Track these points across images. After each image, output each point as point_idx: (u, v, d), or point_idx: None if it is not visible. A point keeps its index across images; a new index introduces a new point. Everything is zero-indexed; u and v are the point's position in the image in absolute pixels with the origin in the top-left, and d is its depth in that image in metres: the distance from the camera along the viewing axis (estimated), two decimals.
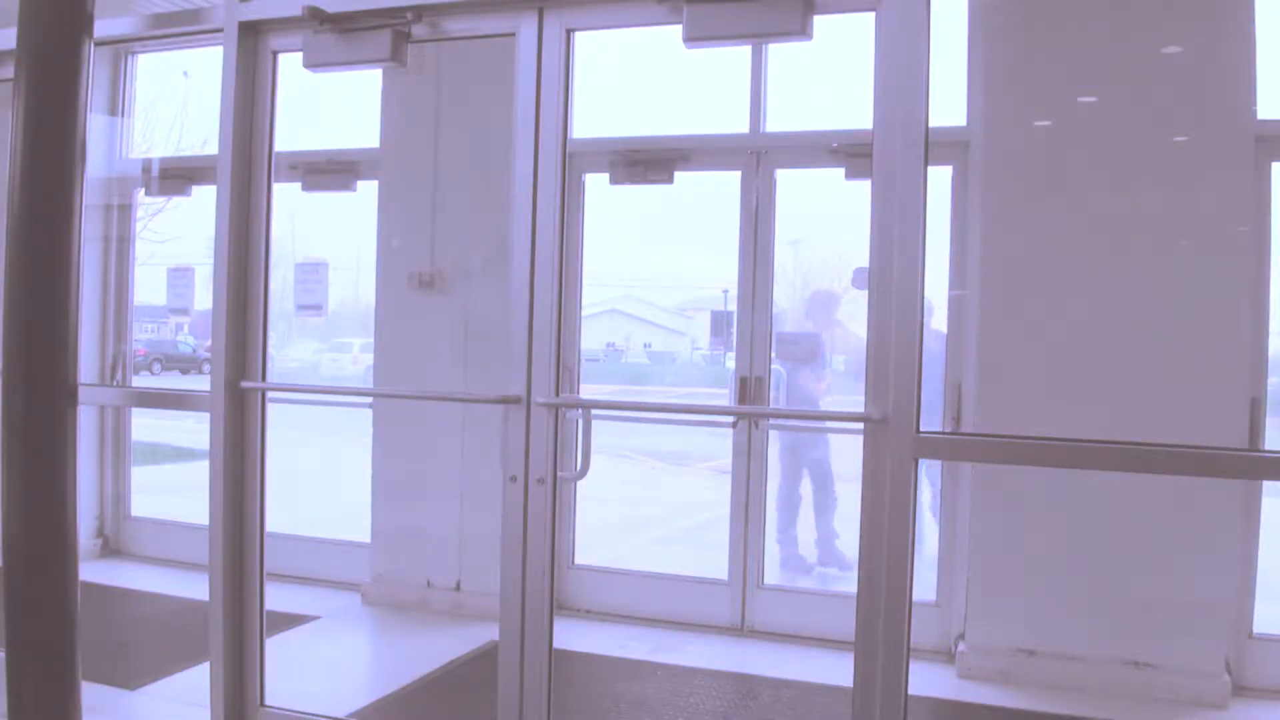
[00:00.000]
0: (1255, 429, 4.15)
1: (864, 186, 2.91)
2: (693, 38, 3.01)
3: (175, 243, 6.68)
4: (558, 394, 3.22)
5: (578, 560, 5.42)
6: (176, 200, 6.29)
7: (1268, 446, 4.25)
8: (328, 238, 6.08)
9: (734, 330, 5.25)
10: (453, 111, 5.16)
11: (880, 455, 2.83)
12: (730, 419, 5.39)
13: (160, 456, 8.14)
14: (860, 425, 2.90)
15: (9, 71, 2.90)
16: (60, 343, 2.90)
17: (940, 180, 4.63)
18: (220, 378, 3.51)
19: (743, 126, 5.16)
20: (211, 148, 3.63)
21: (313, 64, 3.44)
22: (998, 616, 4.40)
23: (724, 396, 5.94)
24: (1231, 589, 4.21)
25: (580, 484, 5.16)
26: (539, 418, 3.23)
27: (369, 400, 5.63)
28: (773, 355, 5.17)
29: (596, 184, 5.40)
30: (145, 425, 6.87)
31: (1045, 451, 2.88)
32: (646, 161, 5.27)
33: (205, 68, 4.01)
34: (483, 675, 4.01)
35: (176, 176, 6.04)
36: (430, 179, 5.25)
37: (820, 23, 2.95)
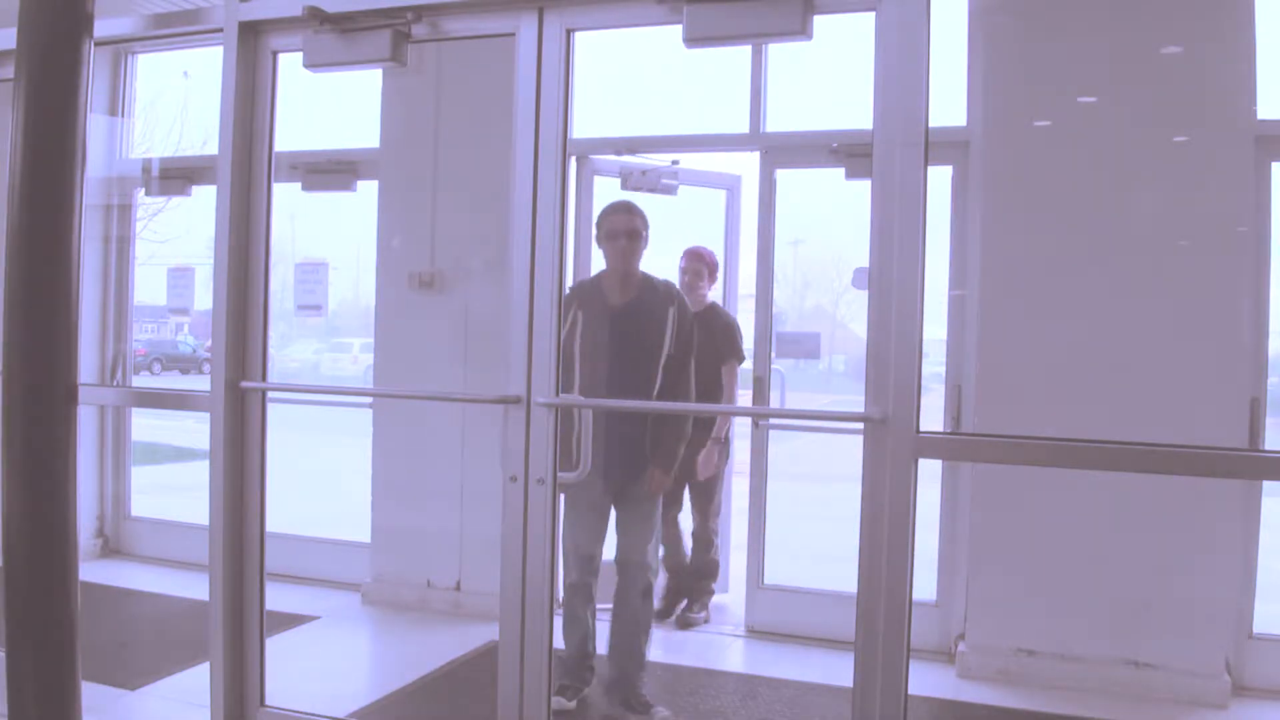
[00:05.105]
0: (1255, 429, 4.15)
1: (864, 186, 2.91)
2: (693, 38, 3.01)
3: (175, 243, 6.68)
4: (558, 394, 3.22)
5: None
6: (176, 200, 6.28)
7: (1268, 446, 4.25)
8: (328, 238, 6.07)
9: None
10: (453, 111, 5.16)
11: (880, 455, 2.84)
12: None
13: (160, 456, 8.13)
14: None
15: (9, 71, 2.90)
16: (60, 343, 2.91)
17: (940, 180, 4.63)
18: (220, 378, 3.51)
19: (743, 126, 5.17)
20: (211, 148, 3.63)
21: (313, 64, 3.44)
22: (998, 616, 4.40)
23: None
24: (1231, 589, 4.20)
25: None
26: (539, 418, 3.23)
27: (369, 400, 5.62)
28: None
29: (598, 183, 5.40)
30: (145, 425, 6.87)
31: (1045, 451, 2.88)
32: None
33: (205, 68, 4.01)
34: (483, 675, 4.00)
35: (176, 176, 6.03)
36: (430, 179, 5.24)
37: (820, 23, 2.95)
